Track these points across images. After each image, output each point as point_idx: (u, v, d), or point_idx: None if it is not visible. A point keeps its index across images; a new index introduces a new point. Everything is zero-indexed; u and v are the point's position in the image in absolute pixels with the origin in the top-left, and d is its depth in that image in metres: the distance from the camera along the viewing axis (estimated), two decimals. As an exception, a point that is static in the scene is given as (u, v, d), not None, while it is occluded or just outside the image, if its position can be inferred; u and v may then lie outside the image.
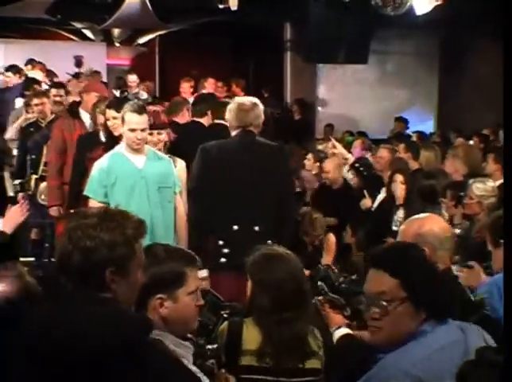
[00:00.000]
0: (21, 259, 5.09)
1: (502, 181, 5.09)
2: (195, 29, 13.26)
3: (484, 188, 5.03)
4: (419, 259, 2.44)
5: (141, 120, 4.79)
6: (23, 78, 9.64)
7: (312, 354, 3.05)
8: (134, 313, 2.26)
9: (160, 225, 4.79)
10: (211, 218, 4.57)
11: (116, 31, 13.65)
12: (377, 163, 7.19)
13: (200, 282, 2.80)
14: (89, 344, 2.02)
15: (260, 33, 13.00)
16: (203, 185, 4.65)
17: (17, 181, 7.31)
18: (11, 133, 8.27)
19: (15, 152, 8.64)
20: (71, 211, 5.71)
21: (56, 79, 9.81)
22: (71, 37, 14.01)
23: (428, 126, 13.71)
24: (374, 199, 6.84)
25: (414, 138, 9.53)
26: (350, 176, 7.60)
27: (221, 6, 11.04)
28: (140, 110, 4.82)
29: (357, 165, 7.66)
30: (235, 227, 4.54)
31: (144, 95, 10.67)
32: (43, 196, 6.89)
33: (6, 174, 9.32)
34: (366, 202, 6.88)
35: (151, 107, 5.55)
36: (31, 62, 10.16)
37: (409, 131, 11.76)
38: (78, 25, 13.57)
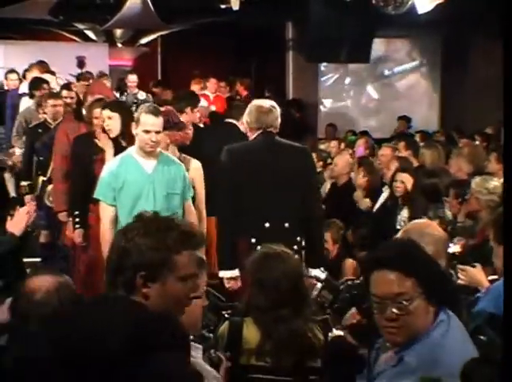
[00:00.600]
0: (27, 259, 5.10)
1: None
2: (197, 29, 13.26)
3: (483, 184, 5.03)
4: (423, 254, 2.48)
5: (157, 122, 4.71)
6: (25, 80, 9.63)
7: (311, 352, 3.06)
8: (156, 316, 2.20)
9: None
10: (241, 218, 4.65)
11: (118, 31, 13.66)
12: (378, 161, 7.19)
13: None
14: (100, 346, 2.01)
15: (262, 32, 13.00)
16: (230, 186, 4.71)
17: (24, 183, 7.22)
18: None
19: (18, 152, 8.66)
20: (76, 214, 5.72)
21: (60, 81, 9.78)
22: (74, 37, 14.02)
23: (431, 125, 13.70)
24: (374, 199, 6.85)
25: (417, 138, 9.52)
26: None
27: (223, 6, 11.06)
28: (156, 112, 4.75)
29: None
30: (267, 224, 4.64)
31: (143, 96, 10.67)
32: (51, 198, 6.86)
33: (7, 175, 9.33)
34: (365, 202, 6.88)
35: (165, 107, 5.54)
36: (34, 64, 10.08)
37: (411, 130, 11.76)
38: (80, 26, 13.58)
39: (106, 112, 5.47)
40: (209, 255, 4.66)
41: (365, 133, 11.26)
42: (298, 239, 4.69)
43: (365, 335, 2.71)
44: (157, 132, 4.72)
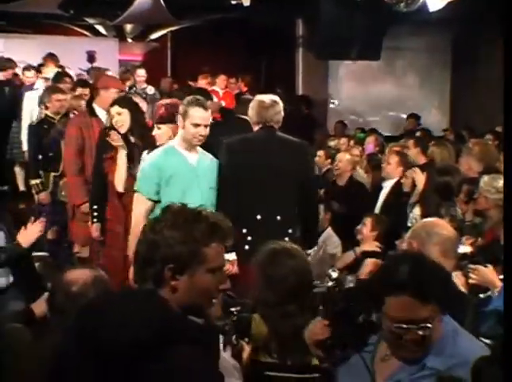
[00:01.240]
0: (35, 253, 5.12)
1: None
2: (208, 25, 13.26)
3: (491, 183, 5.01)
4: (435, 269, 2.48)
5: (206, 115, 4.67)
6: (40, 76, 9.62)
7: None
8: (177, 313, 2.21)
9: None
10: (236, 208, 4.68)
11: (128, 27, 13.69)
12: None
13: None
14: (123, 339, 2.03)
15: (272, 29, 12.99)
16: (227, 177, 4.81)
17: (35, 181, 7.10)
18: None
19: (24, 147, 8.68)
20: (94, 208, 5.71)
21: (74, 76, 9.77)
22: (84, 32, 14.05)
23: (441, 123, 13.67)
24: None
25: (418, 135, 9.46)
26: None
27: (233, 3, 11.04)
28: (205, 104, 4.69)
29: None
30: (258, 216, 4.77)
31: (152, 90, 10.66)
32: (63, 193, 6.85)
33: (17, 169, 9.37)
34: None
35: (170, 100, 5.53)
36: (47, 58, 10.05)
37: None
38: (90, 21, 13.60)
39: (116, 108, 5.41)
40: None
41: (374, 130, 11.25)
42: (290, 231, 4.81)
43: (334, 349, 2.68)
44: (206, 126, 4.66)
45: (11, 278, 4.43)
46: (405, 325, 2.35)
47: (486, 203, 4.99)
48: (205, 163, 4.78)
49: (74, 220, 6.34)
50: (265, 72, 14.27)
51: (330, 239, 6.72)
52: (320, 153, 8.37)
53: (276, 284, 3.06)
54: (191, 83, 11.33)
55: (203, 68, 11.75)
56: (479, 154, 6.12)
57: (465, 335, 2.47)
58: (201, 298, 2.26)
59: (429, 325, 2.35)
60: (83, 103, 7.26)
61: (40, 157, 7.10)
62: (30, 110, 8.79)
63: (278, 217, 4.81)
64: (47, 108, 7.28)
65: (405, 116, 12.92)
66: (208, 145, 5.00)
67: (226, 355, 2.71)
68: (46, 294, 3.04)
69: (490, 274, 3.69)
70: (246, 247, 4.73)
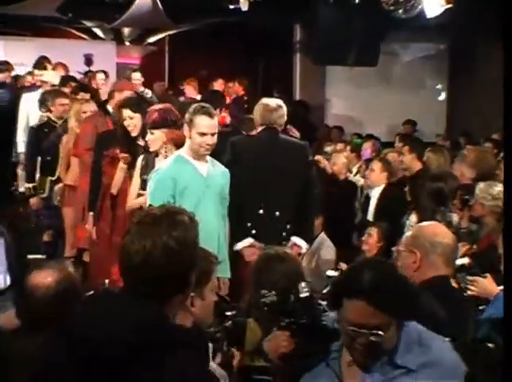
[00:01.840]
0: (30, 256, 5.12)
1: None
2: (205, 29, 13.27)
3: (487, 190, 5.02)
4: (396, 278, 2.48)
5: (213, 123, 4.53)
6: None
7: None
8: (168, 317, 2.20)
9: (221, 238, 4.62)
10: (240, 203, 4.94)
11: (126, 30, 13.69)
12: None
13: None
14: (115, 343, 2.01)
15: (270, 34, 13.01)
16: (232, 174, 4.91)
17: (28, 185, 7.07)
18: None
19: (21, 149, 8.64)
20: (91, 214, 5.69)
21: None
22: (82, 35, 14.04)
23: (438, 129, 13.69)
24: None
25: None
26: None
27: (231, 7, 11.06)
28: (211, 112, 4.54)
29: None
30: (261, 211, 4.98)
31: (149, 94, 10.65)
32: (58, 198, 6.84)
33: (19, 171, 9.32)
34: None
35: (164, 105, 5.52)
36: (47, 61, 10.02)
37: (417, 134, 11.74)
38: (88, 24, 13.60)
39: (128, 112, 5.38)
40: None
41: (371, 136, 11.27)
42: (288, 226, 5.07)
43: (299, 358, 2.67)
44: (213, 134, 4.52)
45: (9, 281, 4.41)
46: (357, 329, 2.36)
47: (482, 210, 5.00)
48: (215, 173, 4.66)
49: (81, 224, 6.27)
50: (262, 77, 14.28)
51: (324, 244, 6.73)
52: (319, 158, 8.33)
53: (268, 289, 3.07)
54: (182, 87, 11.32)
55: (200, 72, 11.75)
56: (473, 161, 6.13)
57: (432, 337, 2.46)
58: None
59: (381, 333, 2.34)
60: (91, 106, 7.19)
61: (38, 159, 7.06)
62: (26, 111, 8.77)
63: (277, 213, 5.06)
64: (50, 112, 7.22)
65: (401, 122, 12.93)
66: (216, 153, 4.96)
67: (214, 364, 2.70)
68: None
69: (489, 285, 3.66)
70: (251, 239, 5.03)
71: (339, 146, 9.53)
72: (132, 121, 5.36)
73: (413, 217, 5.91)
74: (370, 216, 6.76)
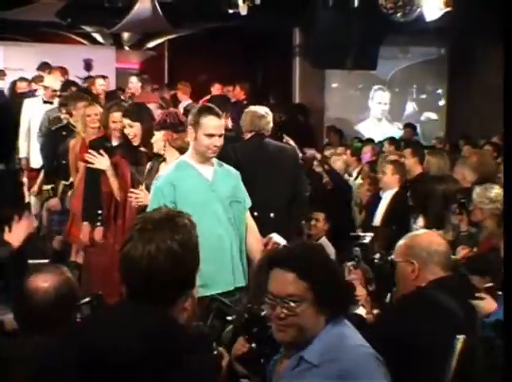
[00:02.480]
0: (31, 261, 5.07)
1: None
2: (205, 33, 13.29)
3: (484, 194, 5.02)
4: (325, 260, 2.52)
5: (220, 124, 4.35)
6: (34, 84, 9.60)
7: None
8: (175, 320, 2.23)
9: (234, 244, 4.37)
10: None
11: (126, 35, 13.70)
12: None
13: None
14: (124, 350, 2.01)
15: (269, 38, 13.02)
16: None
17: (46, 187, 6.99)
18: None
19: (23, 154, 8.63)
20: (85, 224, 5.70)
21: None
22: (81, 40, 14.06)
23: (438, 133, 13.70)
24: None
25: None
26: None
27: (230, 11, 11.06)
28: (217, 112, 4.37)
29: None
30: (255, 213, 4.85)
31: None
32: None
33: (25, 180, 9.28)
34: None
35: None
36: (47, 66, 10.02)
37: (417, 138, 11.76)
38: (88, 29, 13.62)
39: (127, 121, 5.34)
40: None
41: (371, 140, 11.29)
42: (282, 227, 5.03)
43: (255, 362, 2.70)
44: (220, 135, 4.33)
45: None
46: (273, 298, 2.43)
47: (481, 214, 5.01)
48: (223, 176, 4.47)
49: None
50: (261, 81, 14.29)
51: (325, 248, 6.73)
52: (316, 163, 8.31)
53: (263, 292, 3.08)
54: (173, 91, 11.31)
55: (200, 76, 11.76)
56: (475, 164, 6.13)
57: (352, 340, 2.43)
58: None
59: (292, 304, 2.39)
60: (96, 109, 7.06)
61: (55, 163, 7.00)
62: (29, 116, 8.78)
63: (272, 214, 5.27)
64: (71, 115, 7.12)
65: (401, 125, 12.96)
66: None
67: None
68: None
69: (486, 305, 3.64)
70: None
71: (339, 149, 9.55)
72: (132, 129, 5.31)
73: (420, 221, 5.85)
74: (378, 218, 6.68)
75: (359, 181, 8.28)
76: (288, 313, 2.40)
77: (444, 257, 3.21)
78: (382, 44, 12.01)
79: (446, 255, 3.25)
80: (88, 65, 12.42)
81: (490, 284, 3.75)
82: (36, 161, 8.44)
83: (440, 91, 14.51)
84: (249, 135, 5.57)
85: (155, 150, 4.99)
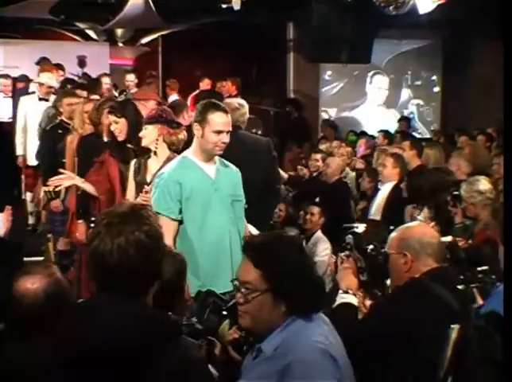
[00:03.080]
0: (27, 258, 5.05)
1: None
2: (198, 28, 13.27)
3: (471, 188, 5.04)
4: (287, 252, 2.51)
5: (228, 120, 4.26)
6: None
7: None
8: (165, 315, 2.31)
9: (236, 243, 4.26)
10: None
11: (119, 31, 13.67)
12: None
13: None
14: (117, 345, 2.03)
15: (263, 32, 13.01)
16: None
17: (47, 188, 6.70)
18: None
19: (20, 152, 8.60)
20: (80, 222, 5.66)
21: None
22: (75, 37, 14.02)
23: (433, 126, 13.72)
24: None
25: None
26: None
27: (224, 6, 11.06)
28: (225, 108, 4.29)
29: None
30: None
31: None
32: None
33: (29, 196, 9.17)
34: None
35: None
36: (46, 61, 9.96)
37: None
38: (81, 26, 13.58)
39: (112, 117, 5.32)
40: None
41: (364, 133, 11.33)
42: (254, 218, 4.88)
43: (246, 348, 2.76)
44: (228, 132, 4.24)
45: None
46: (236, 283, 2.50)
47: (474, 209, 5.03)
48: (225, 174, 4.39)
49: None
50: (256, 75, 14.28)
51: (320, 241, 6.74)
52: (318, 157, 8.28)
53: None
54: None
55: (194, 71, 11.74)
56: (469, 156, 6.14)
57: (308, 335, 2.43)
58: None
59: (244, 291, 2.44)
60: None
61: (53, 162, 6.86)
62: (24, 114, 8.76)
63: (246, 206, 4.77)
64: (60, 113, 7.13)
65: (396, 119, 12.98)
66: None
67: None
68: None
69: None
70: None
71: (335, 143, 9.56)
72: (117, 126, 5.27)
73: (426, 212, 5.80)
74: (374, 210, 6.66)
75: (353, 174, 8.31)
76: (243, 300, 2.47)
77: (437, 249, 3.23)
78: (376, 38, 12.03)
79: (439, 246, 3.27)
80: (82, 62, 12.39)
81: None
82: (33, 158, 8.43)
83: (434, 83, 14.52)
84: None
85: (144, 144, 4.91)
